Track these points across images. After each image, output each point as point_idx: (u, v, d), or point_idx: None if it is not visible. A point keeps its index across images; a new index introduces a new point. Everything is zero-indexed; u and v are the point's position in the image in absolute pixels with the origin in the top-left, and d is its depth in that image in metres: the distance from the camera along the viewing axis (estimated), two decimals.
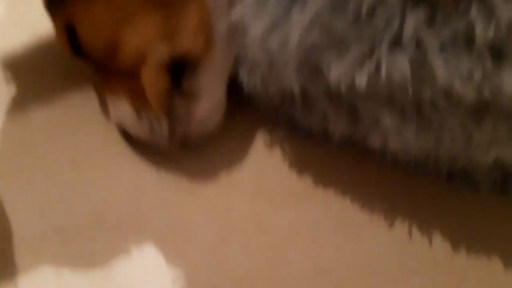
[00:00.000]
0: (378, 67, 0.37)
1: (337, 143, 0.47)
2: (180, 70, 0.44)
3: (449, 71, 0.34)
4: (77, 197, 0.45)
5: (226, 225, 0.46)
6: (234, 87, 0.47)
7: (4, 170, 0.47)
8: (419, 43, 0.35)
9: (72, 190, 0.46)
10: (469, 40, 0.34)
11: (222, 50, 0.45)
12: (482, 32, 0.33)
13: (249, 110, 0.50)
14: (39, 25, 0.51)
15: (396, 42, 0.36)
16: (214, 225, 0.45)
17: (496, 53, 0.33)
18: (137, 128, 0.45)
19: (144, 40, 0.42)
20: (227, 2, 0.44)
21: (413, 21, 0.35)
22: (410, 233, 0.45)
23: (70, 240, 0.43)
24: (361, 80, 0.38)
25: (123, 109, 0.45)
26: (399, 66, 0.36)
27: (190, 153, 0.48)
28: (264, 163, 0.49)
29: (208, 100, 0.45)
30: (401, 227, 0.45)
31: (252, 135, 0.50)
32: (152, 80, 0.43)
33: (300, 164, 0.49)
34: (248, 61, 0.45)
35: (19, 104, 0.50)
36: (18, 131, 0.49)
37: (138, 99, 0.44)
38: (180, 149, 0.46)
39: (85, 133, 0.48)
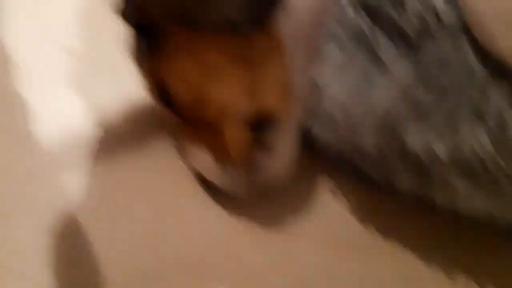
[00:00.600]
0: (458, 138, 0.39)
1: (402, 196, 0.49)
2: (260, 125, 0.46)
3: None
4: (160, 241, 0.48)
5: (292, 274, 0.47)
6: (303, 137, 0.49)
7: (90, 214, 0.50)
8: (500, 119, 0.37)
9: (155, 234, 0.48)
10: None
11: (301, 105, 0.47)
12: None
13: (315, 157, 0.52)
14: (118, 63, 0.53)
15: (478, 116, 0.38)
16: (282, 274, 0.47)
17: None
18: (216, 177, 0.48)
19: (230, 96, 0.45)
20: (309, 61, 0.47)
21: (496, 97, 0.37)
22: None
23: (153, 283, 0.46)
24: (440, 150, 0.40)
25: (203, 158, 0.48)
26: (480, 140, 0.38)
27: (258, 201, 0.50)
28: (330, 211, 0.51)
29: (284, 153, 0.47)
30: (462, 281, 0.47)
31: (318, 183, 0.52)
32: (234, 134, 0.45)
33: (364, 213, 0.51)
34: (324, 118, 0.48)
35: (105, 149, 0.53)
36: (105, 176, 0.52)
37: (219, 150, 0.46)
38: (252, 198, 0.49)
39: (166, 179, 0.51)
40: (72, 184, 0.53)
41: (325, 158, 0.53)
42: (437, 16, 0.36)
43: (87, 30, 0.64)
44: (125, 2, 0.44)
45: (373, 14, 0.42)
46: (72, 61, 0.61)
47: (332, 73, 0.45)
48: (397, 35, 0.40)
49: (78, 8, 0.65)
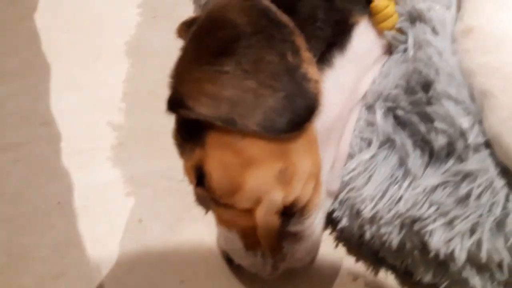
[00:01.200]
0: (479, 245, 0.42)
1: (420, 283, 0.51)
2: (290, 212, 0.49)
3: None
4: None
5: None
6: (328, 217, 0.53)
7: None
8: None
9: None
10: None
11: (326, 196, 0.50)
12: None
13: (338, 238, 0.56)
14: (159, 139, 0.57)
15: (498, 226, 0.41)
16: None
17: None
18: (243, 259, 0.50)
19: (263, 185, 0.48)
20: (335, 156, 0.50)
21: None
22: None
23: None
24: (461, 253, 0.42)
25: (232, 240, 0.50)
26: (498, 248, 0.41)
27: (281, 280, 0.52)
28: None
29: (310, 240, 0.50)
30: None
31: (338, 265, 0.55)
32: (265, 221, 0.48)
33: None
34: (349, 206, 0.51)
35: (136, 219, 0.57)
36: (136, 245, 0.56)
37: (248, 235, 0.49)
38: (274, 277, 0.51)
39: (193, 256, 0.54)
40: (104, 254, 0.56)
41: (347, 239, 0.56)
42: (462, 134, 0.40)
43: (133, 107, 0.68)
44: (175, 97, 0.48)
45: (402, 123, 0.45)
46: (116, 134, 0.65)
47: (360, 169, 0.48)
48: (425, 146, 0.43)
49: (127, 88, 0.70)
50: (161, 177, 0.61)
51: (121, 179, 0.62)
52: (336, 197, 0.53)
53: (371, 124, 0.49)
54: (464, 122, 0.39)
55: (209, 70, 0.46)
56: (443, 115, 0.40)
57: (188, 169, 0.51)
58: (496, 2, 0.42)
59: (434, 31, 0.42)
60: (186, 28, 0.63)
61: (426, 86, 0.42)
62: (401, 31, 0.48)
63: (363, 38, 0.50)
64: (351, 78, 0.50)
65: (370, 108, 0.49)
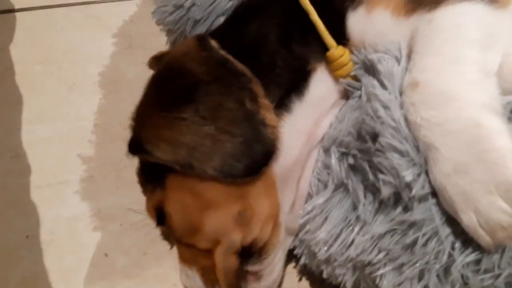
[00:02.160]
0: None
1: None
2: (249, 252, 0.50)
3: None
4: None
5: None
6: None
7: None
8: (465, 281, 0.41)
9: None
10: None
11: (285, 236, 0.52)
12: None
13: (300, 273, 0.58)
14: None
15: (445, 275, 0.42)
16: None
17: None
18: None
19: (221, 227, 0.49)
20: (294, 197, 0.52)
21: (460, 259, 0.41)
22: None
23: None
24: None
25: (193, 278, 0.52)
26: None
27: None
28: None
29: (270, 279, 0.52)
30: None
31: None
32: (223, 261, 0.49)
33: None
34: (308, 250, 0.52)
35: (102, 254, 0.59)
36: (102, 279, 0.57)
37: (208, 274, 0.50)
38: None
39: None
40: None
41: (310, 273, 0.57)
42: (407, 186, 0.41)
43: (104, 139, 0.69)
44: (135, 141, 0.49)
45: (355, 169, 0.47)
46: (85, 167, 0.66)
47: (316, 211, 0.50)
48: (376, 192, 0.45)
49: (98, 119, 0.71)
50: (128, 211, 0.62)
51: (88, 213, 0.63)
52: (297, 235, 0.55)
53: (327, 167, 0.50)
54: (408, 175, 0.41)
55: (168, 117, 0.47)
56: (388, 167, 0.42)
57: (150, 208, 0.53)
58: (443, 59, 0.43)
59: (382, 84, 0.44)
60: (157, 62, 0.65)
61: (374, 136, 0.44)
62: (356, 78, 0.50)
63: (320, 84, 0.52)
64: (309, 123, 0.52)
65: (326, 151, 0.51)
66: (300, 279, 0.59)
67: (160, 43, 0.76)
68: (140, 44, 0.83)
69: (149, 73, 0.54)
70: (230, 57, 0.48)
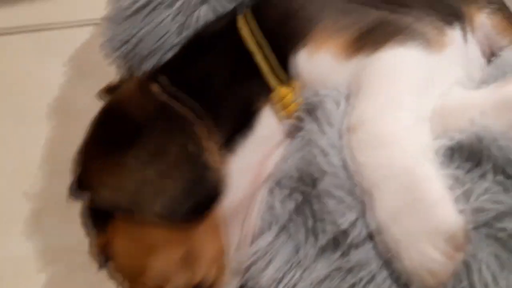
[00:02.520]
0: None
1: None
2: None
3: None
4: None
5: None
6: None
7: None
8: None
9: None
10: None
11: (232, 276, 0.52)
12: None
13: None
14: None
15: None
16: None
17: None
18: None
19: (167, 267, 0.49)
20: (242, 235, 0.52)
21: None
22: None
23: None
24: None
25: None
26: None
27: None
28: None
29: None
30: None
31: None
32: None
33: None
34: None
35: None
36: None
37: None
38: None
39: None
40: None
41: None
42: (343, 232, 0.42)
43: (51, 174, 0.68)
44: (76, 185, 0.49)
45: (296, 210, 0.47)
46: (31, 205, 0.65)
47: (260, 254, 0.50)
48: (316, 235, 0.45)
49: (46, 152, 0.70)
50: (75, 250, 0.61)
51: (34, 253, 0.61)
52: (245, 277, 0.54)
53: (271, 207, 0.50)
54: (344, 222, 0.41)
55: (109, 162, 0.47)
56: (325, 213, 0.42)
57: (93, 250, 0.52)
58: (380, 103, 0.44)
59: (322, 129, 0.45)
60: (107, 93, 0.64)
61: (314, 181, 0.44)
62: (299, 119, 0.50)
63: (265, 125, 0.52)
64: (254, 163, 0.52)
65: (270, 191, 0.51)
66: None
67: (112, 71, 0.75)
68: (90, 72, 0.81)
69: (100, 103, 0.53)
70: (172, 101, 0.48)
